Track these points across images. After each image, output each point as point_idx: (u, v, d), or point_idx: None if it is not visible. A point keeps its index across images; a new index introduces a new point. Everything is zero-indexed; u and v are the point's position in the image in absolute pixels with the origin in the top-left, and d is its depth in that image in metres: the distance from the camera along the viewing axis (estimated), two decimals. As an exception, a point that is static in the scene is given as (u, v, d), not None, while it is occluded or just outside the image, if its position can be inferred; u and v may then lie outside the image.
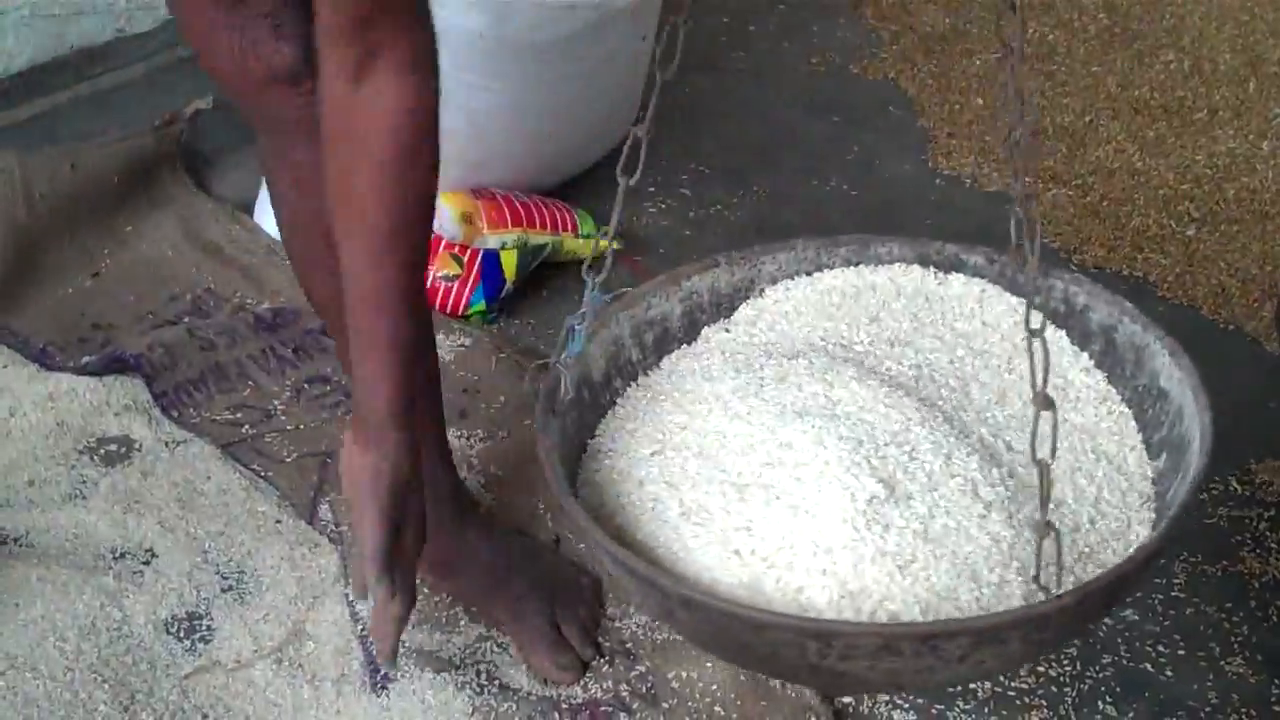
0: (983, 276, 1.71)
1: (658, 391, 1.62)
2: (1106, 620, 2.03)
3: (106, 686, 1.89)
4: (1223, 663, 1.99)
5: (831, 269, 1.72)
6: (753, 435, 1.47)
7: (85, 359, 2.39)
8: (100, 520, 2.13)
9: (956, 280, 1.71)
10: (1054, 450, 1.29)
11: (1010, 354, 1.63)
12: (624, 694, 1.91)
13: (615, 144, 2.92)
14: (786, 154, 3.04)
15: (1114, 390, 1.60)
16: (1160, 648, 2.01)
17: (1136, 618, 2.04)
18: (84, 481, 2.19)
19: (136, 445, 2.26)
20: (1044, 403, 1.29)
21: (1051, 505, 1.39)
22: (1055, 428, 1.29)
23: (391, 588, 1.53)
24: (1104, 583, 1.32)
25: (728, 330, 1.69)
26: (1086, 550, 1.40)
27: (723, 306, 1.72)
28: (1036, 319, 1.33)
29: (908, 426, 1.46)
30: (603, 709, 1.90)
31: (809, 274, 1.73)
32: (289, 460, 2.25)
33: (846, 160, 2.99)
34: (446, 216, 2.56)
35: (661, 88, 1.51)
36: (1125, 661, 1.99)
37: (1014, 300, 1.68)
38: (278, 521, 2.15)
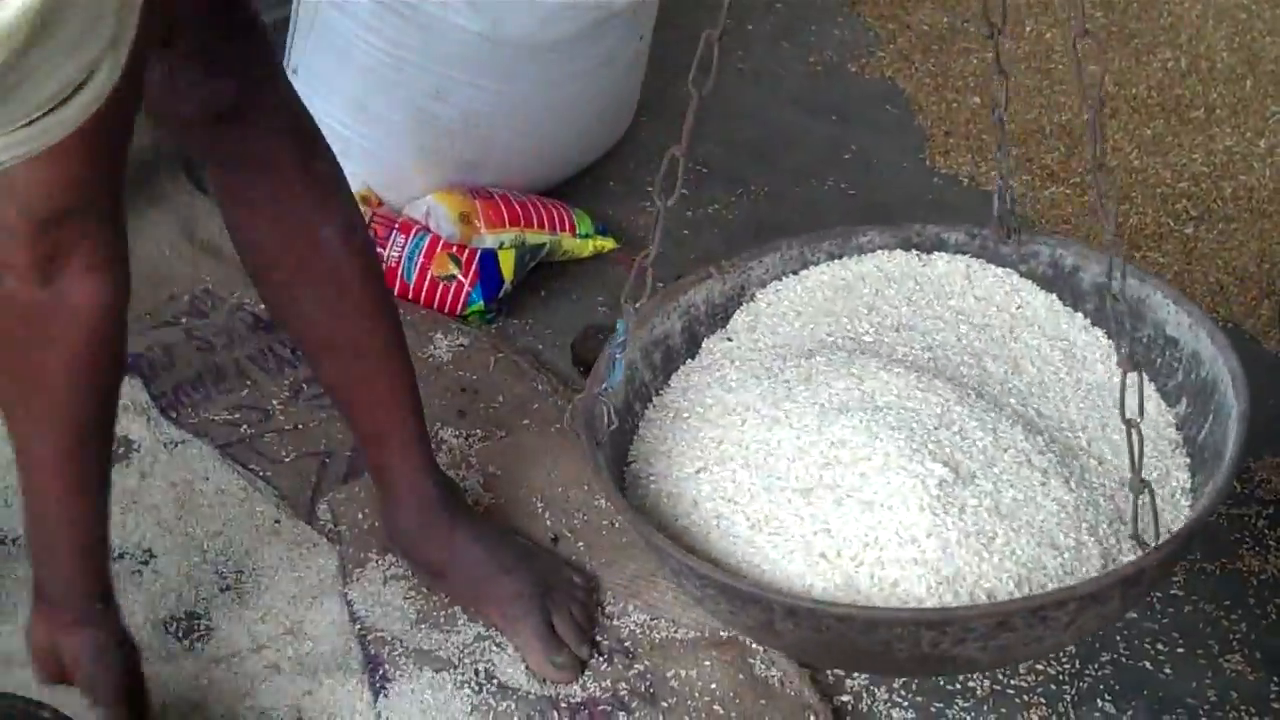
0: (965, 253, 1.72)
1: (678, 410, 1.60)
2: (1105, 618, 2.03)
3: (105, 687, 1.89)
4: (1221, 660, 1.99)
5: (817, 265, 1.72)
6: (799, 438, 1.46)
7: (83, 359, 2.39)
8: (99, 520, 2.12)
9: (940, 260, 1.71)
10: (1141, 409, 1.31)
11: (1010, 324, 1.64)
12: (623, 693, 1.91)
13: (613, 144, 2.92)
14: (784, 153, 3.04)
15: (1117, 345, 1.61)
16: (1159, 645, 2.01)
17: (1135, 615, 2.04)
18: (82, 482, 2.19)
19: (135, 445, 2.26)
20: (1129, 364, 1.30)
21: (1094, 462, 1.41)
22: (1140, 388, 1.32)
23: None
24: (1189, 530, 1.35)
25: (730, 339, 1.68)
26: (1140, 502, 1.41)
27: (718, 317, 1.72)
28: (1117, 284, 1.35)
29: (948, 407, 1.47)
30: (601, 708, 1.90)
31: (795, 273, 1.73)
32: (287, 460, 2.25)
33: (844, 159, 2.98)
34: (444, 216, 2.56)
35: (698, 105, 1.48)
36: (1124, 659, 1.99)
37: (1000, 271, 1.69)
38: (276, 521, 2.15)
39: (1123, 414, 1.32)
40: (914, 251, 1.72)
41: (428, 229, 2.56)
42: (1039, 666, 1.96)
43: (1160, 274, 1.50)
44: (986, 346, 1.61)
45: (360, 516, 2.14)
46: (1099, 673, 1.96)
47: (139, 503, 2.16)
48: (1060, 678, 1.95)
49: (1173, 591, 2.08)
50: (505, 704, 1.89)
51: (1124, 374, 1.32)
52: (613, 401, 1.54)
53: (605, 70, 2.73)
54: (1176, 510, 1.44)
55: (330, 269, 1.85)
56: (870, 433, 1.43)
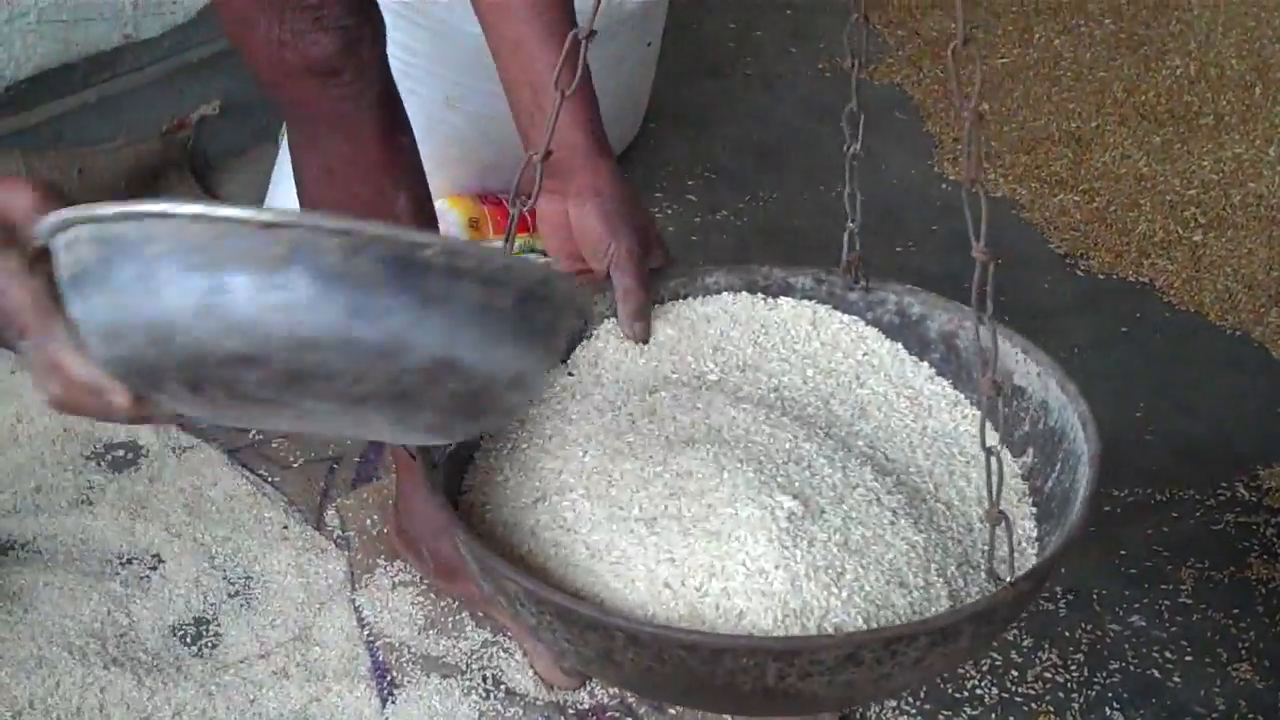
0: (811, 298, 1.69)
1: (515, 441, 1.55)
2: (1114, 626, 2.02)
3: (114, 692, 1.89)
4: (1230, 669, 1.99)
5: (662, 304, 1.69)
6: (644, 469, 1.42)
7: (92, 364, 2.39)
8: (107, 526, 2.13)
9: (786, 304, 1.69)
10: (1002, 438, 1.29)
11: (855, 370, 1.62)
12: (630, 699, 1.92)
13: (622, 148, 2.92)
14: (793, 159, 3.04)
15: (962, 395, 1.59)
16: (1168, 654, 2.00)
17: (1144, 624, 2.04)
18: (91, 487, 2.20)
19: (143, 451, 2.27)
20: (993, 389, 1.28)
21: (942, 506, 1.39)
22: (1002, 416, 1.29)
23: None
24: (1045, 567, 1.31)
25: (570, 374, 1.64)
26: (985, 546, 1.40)
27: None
28: (971, 329, 1.32)
29: (797, 444, 1.44)
30: (609, 715, 1.90)
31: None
32: (296, 466, 2.25)
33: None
34: (453, 222, 2.56)
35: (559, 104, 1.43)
36: (1133, 667, 1.98)
37: (847, 318, 1.67)
38: (284, 527, 2.15)
39: (983, 441, 1.30)
40: (760, 295, 1.70)
41: (436, 235, 2.56)
42: (1047, 674, 1.96)
43: (1008, 326, 1.46)
44: (833, 390, 1.59)
45: (369, 523, 2.14)
46: (1108, 680, 1.96)
47: (148, 508, 2.16)
48: (1069, 685, 1.95)
49: (1182, 600, 2.07)
50: (512, 710, 1.89)
51: (986, 400, 1.30)
52: None
53: (613, 74, 2.74)
54: (1023, 558, 1.42)
55: None
56: (718, 464, 1.40)
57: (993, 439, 1.29)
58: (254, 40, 1.70)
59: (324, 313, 0.97)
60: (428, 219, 1.91)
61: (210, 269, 0.96)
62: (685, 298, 1.69)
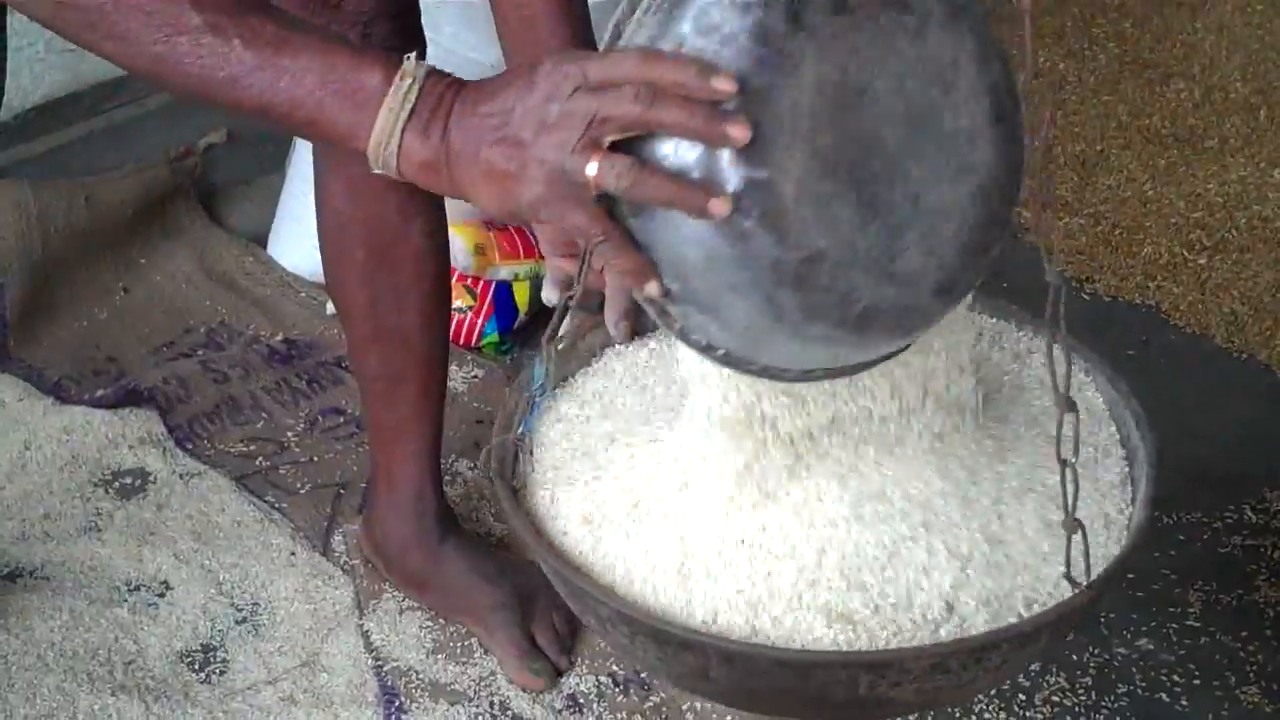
0: None
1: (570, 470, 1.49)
2: (1121, 650, 2.02)
3: (122, 718, 1.89)
4: (1238, 692, 1.98)
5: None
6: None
7: (100, 392, 2.40)
8: (115, 553, 2.13)
9: None
10: (1076, 449, 1.30)
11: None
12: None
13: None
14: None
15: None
16: (1175, 677, 2.00)
17: (1152, 647, 2.03)
18: (99, 514, 2.20)
19: (151, 478, 2.27)
20: (1066, 405, 1.30)
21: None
22: (1076, 430, 1.29)
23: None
24: (1115, 570, 1.33)
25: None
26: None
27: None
28: (1057, 321, 1.33)
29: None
30: (617, 740, 1.90)
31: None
32: (303, 492, 2.26)
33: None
34: (459, 248, 2.56)
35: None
36: (1141, 691, 1.98)
37: None
38: (292, 554, 2.15)
39: (1059, 454, 1.32)
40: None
41: (443, 261, 2.56)
42: (1054, 698, 1.96)
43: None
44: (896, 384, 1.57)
45: (376, 548, 2.15)
46: (1115, 704, 1.96)
47: (156, 535, 2.16)
48: (1076, 709, 1.95)
49: (1189, 623, 2.07)
50: (520, 736, 1.90)
51: (1060, 415, 1.31)
52: (529, 445, 1.46)
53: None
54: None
55: (413, 260, 1.89)
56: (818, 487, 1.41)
57: (1067, 451, 1.29)
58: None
59: None
60: (441, 243, 1.94)
61: None
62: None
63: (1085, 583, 1.31)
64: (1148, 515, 1.38)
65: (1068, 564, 1.32)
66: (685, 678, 1.37)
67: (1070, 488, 1.29)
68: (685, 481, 1.39)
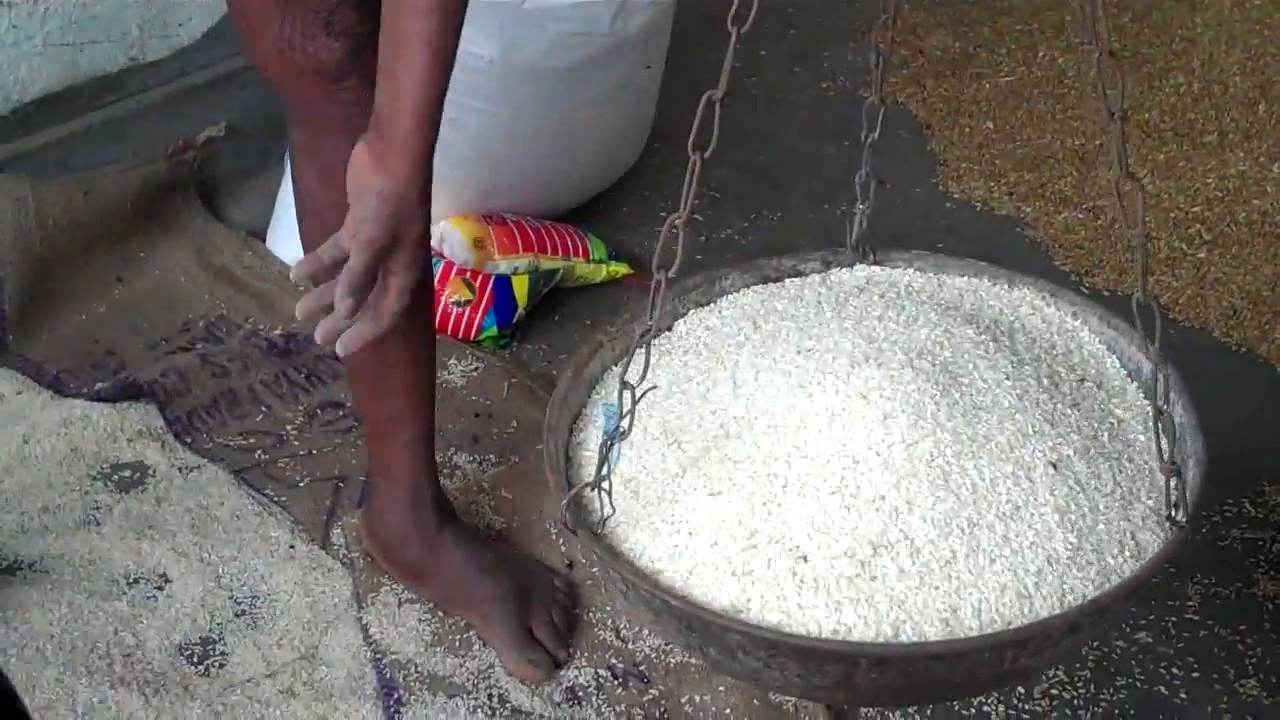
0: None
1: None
2: (1120, 643, 2.02)
3: (121, 711, 1.89)
4: (1237, 685, 1.99)
5: (684, 316, 1.69)
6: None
7: (99, 385, 2.40)
8: (114, 546, 2.13)
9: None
10: (1169, 399, 1.42)
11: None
12: (637, 717, 1.91)
13: (627, 170, 2.93)
14: (798, 179, 3.05)
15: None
16: (1174, 670, 2.00)
17: (1150, 640, 2.03)
18: (98, 507, 2.20)
19: (150, 471, 2.27)
20: (1162, 362, 1.40)
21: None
22: (1168, 381, 1.41)
23: (354, 306, 1.43)
24: (1197, 509, 1.43)
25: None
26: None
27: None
28: (1141, 293, 1.44)
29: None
30: (616, 733, 1.90)
31: (669, 329, 1.68)
32: (302, 485, 2.26)
33: (858, 185, 2.99)
34: (458, 241, 2.57)
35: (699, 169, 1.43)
36: (1139, 684, 1.98)
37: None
38: (291, 546, 2.15)
39: (1154, 405, 1.40)
40: (770, 284, 1.73)
41: (442, 254, 2.56)
42: (1054, 691, 1.96)
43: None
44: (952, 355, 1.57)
45: (375, 541, 2.14)
46: (1114, 697, 1.96)
47: (154, 528, 2.16)
48: (1075, 702, 1.95)
49: (1188, 616, 2.07)
50: (519, 729, 1.90)
51: (1154, 369, 1.41)
52: (608, 489, 1.44)
53: (618, 96, 2.74)
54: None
55: None
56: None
57: (1163, 400, 1.41)
58: (263, 38, 1.71)
59: None
60: None
61: None
62: (708, 305, 1.71)
63: (1184, 522, 1.40)
64: (1206, 465, 1.45)
65: (1168, 505, 1.41)
66: (826, 690, 1.37)
67: (1165, 437, 1.39)
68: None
